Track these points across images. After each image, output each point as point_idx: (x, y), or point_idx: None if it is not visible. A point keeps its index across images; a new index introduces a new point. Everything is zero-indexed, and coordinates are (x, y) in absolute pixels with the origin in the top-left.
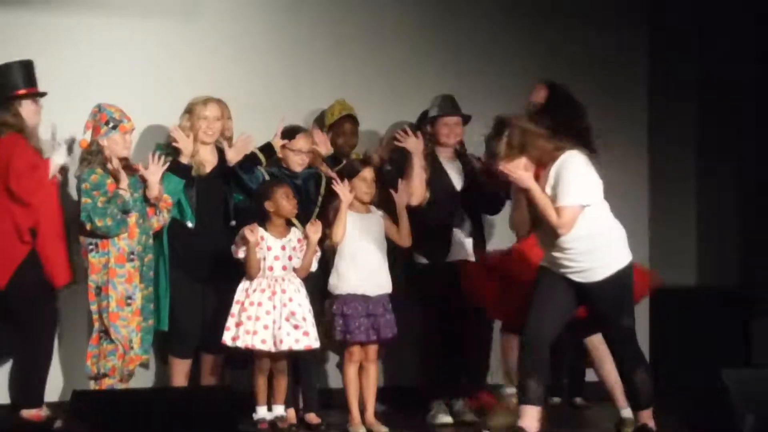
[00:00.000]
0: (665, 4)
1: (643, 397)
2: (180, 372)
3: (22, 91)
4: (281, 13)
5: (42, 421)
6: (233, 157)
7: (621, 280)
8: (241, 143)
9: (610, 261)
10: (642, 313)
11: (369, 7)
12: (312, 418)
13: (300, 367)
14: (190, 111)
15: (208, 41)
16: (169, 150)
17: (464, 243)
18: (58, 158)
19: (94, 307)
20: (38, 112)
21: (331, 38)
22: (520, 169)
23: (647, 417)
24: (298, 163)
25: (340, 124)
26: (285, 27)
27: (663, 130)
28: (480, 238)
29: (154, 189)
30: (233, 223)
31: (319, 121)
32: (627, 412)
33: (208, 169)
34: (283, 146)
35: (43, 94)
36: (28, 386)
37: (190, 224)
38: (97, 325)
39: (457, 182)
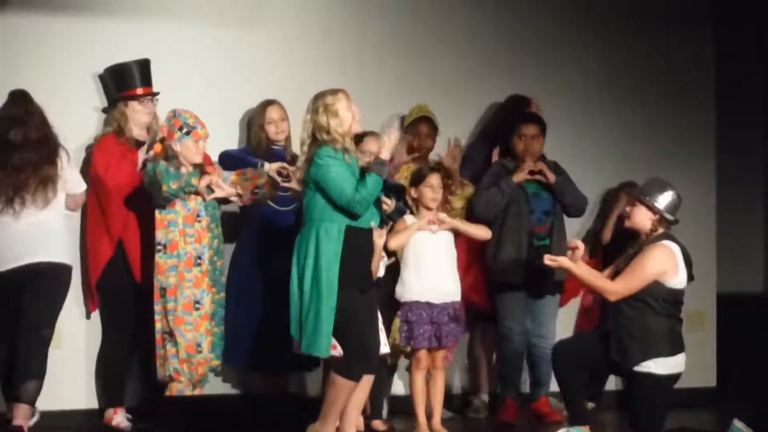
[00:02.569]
0: (731, 8)
1: None
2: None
3: (128, 92)
4: (345, 21)
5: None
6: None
7: None
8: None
9: None
10: (709, 320)
11: (435, 14)
12: (378, 424)
13: None
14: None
15: (274, 48)
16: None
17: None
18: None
19: (158, 308)
20: (144, 112)
21: (397, 46)
22: None
23: None
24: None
25: (415, 126)
26: (349, 35)
27: (730, 135)
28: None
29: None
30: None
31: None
32: None
33: None
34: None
35: (154, 94)
36: (106, 386)
37: (373, 224)
38: (159, 326)
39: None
